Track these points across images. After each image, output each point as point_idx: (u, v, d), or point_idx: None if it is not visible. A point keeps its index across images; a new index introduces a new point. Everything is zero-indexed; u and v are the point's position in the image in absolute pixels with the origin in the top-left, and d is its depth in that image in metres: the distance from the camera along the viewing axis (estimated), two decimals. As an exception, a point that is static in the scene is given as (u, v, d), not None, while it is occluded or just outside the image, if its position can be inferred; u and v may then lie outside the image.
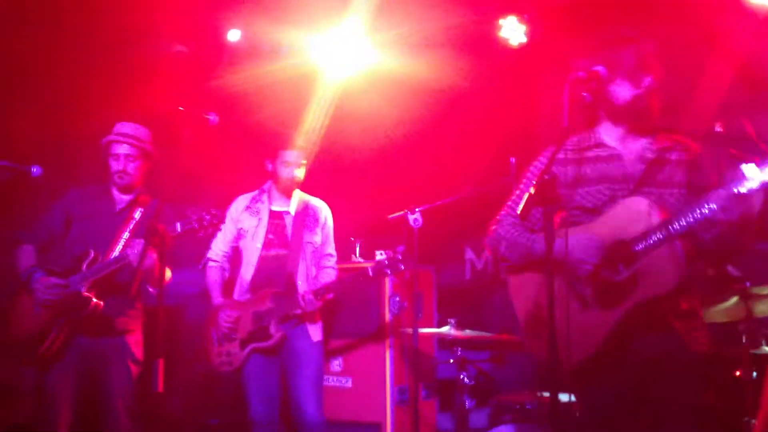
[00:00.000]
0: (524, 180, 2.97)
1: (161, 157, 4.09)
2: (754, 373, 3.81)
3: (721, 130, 3.27)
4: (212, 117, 3.43)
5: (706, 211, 2.49)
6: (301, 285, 4.29)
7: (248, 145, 4.79)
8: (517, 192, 2.98)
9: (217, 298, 4.43)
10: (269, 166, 4.45)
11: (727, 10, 4.67)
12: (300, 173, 4.43)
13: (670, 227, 2.56)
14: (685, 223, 2.53)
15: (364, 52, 5.31)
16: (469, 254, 5.83)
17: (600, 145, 2.85)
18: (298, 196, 4.50)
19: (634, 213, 2.64)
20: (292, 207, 4.46)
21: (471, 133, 5.37)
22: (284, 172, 4.40)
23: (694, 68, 4.88)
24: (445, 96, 5.19)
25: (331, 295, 4.17)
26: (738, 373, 3.90)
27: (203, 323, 4.43)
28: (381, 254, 4.94)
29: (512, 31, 5.15)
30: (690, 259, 2.62)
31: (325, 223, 4.49)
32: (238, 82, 5.25)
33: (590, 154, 2.84)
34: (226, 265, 4.52)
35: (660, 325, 2.67)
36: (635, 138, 2.81)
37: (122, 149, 4.08)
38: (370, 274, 4.11)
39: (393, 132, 5.19)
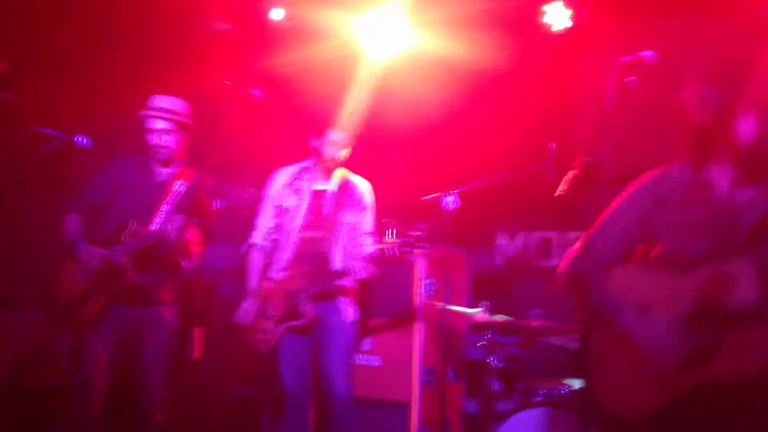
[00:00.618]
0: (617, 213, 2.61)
1: (205, 130, 4.14)
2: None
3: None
4: (257, 92, 3.47)
5: None
6: (338, 264, 4.31)
7: (291, 124, 4.82)
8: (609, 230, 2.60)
9: (253, 284, 4.43)
10: (314, 143, 4.42)
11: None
12: (344, 153, 4.44)
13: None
14: None
15: (405, 33, 5.30)
16: (500, 240, 5.82)
17: (710, 184, 2.46)
18: (340, 173, 4.50)
19: (732, 278, 2.32)
20: (332, 184, 4.46)
21: (510, 117, 5.34)
22: (329, 151, 4.39)
23: (748, 61, 4.78)
24: (485, 78, 5.17)
25: (378, 262, 4.14)
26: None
27: (244, 297, 4.48)
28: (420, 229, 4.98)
29: (557, 15, 5.10)
30: None
31: (364, 202, 4.48)
32: (281, 62, 5.28)
33: (697, 193, 2.45)
34: (269, 247, 4.46)
35: (739, 409, 2.37)
36: (749, 184, 2.43)
37: (157, 124, 4.10)
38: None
39: (432, 113, 5.18)
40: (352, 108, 4.94)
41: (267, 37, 5.52)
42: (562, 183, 2.44)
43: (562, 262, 2.68)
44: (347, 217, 4.40)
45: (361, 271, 4.15)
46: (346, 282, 4.29)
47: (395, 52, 5.31)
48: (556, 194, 2.46)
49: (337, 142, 4.38)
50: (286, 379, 4.33)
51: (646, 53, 2.70)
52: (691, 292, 2.36)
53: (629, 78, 2.67)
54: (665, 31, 4.59)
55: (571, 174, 2.42)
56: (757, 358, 2.26)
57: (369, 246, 4.40)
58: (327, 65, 5.45)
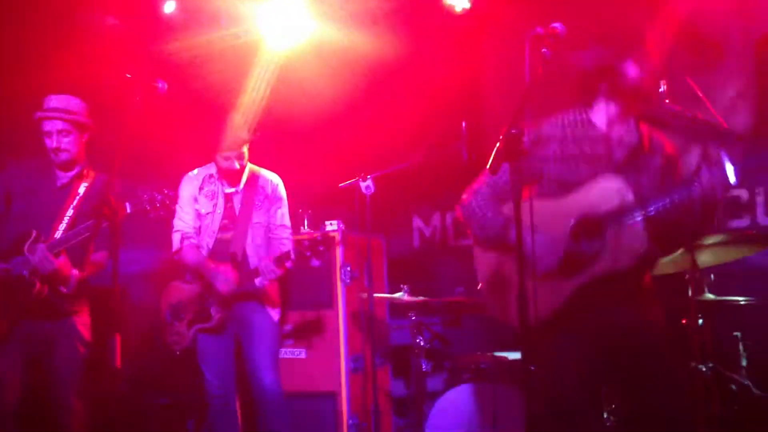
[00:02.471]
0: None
1: (108, 128, 3.94)
2: (700, 320, 3.96)
3: (666, 88, 3.35)
4: (161, 84, 3.32)
5: (677, 198, 2.62)
6: (253, 263, 4.23)
7: (196, 118, 4.67)
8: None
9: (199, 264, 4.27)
10: (219, 148, 4.28)
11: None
12: (240, 161, 4.28)
13: (643, 209, 2.66)
14: (659, 207, 2.64)
15: (306, 22, 5.21)
16: (417, 222, 5.85)
17: (587, 123, 2.90)
18: (248, 170, 4.39)
19: (608, 191, 2.72)
20: (241, 183, 4.35)
21: (420, 99, 5.36)
22: (224, 165, 4.28)
23: (637, 29, 5.00)
24: (392, 63, 5.16)
25: (289, 264, 4.10)
26: (684, 321, 4.04)
27: (159, 302, 4.34)
28: (331, 224, 4.95)
29: (457, -5, 5.15)
30: (651, 239, 2.71)
31: (276, 197, 4.39)
32: (178, 52, 5.09)
33: (577, 131, 2.89)
34: (197, 241, 4.35)
35: (627, 301, 2.79)
36: (623, 122, 2.86)
37: (53, 125, 3.88)
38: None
39: (343, 100, 5.14)
40: (251, 98, 4.84)
41: (163, 25, 5.31)
42: (491, 157, 2.48)
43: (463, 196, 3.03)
44: (258, 216, 4.31)
45: (272, 273, 4.08)
46: (262, 281, 4.20)
47: (298, 41, 5.21)
48: (488, 168, 2.50)
49: (230, 157, 4.24)
50: (209, 380, 4.25)
51: (557, 24, 2.75)
52: (574, 206, 2.76)
53: (543, 49, 2.71)
54: (560, 6, 4.71)
55: (496, 146, 2.46)
56: (629, 252, 2.67)
57: (286, 240, 4.33)
58: (226, 54, 5.30)
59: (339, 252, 4.95)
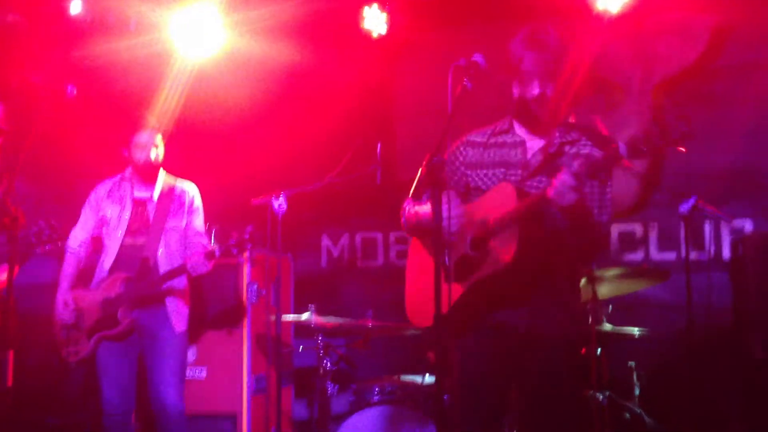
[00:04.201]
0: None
1: (15, 133, 3.74)
2: (599, 350, 4.12)
3: (574, 122, 3.49)
4: (70, 89, 3.19)
5: (544, 195, 2.65)
6: (164, 269, 4.10)
7: (106, 126, 4.50)
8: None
9: (63, 289, 4.12)
10: (126, 153, 4.20)
11: (578, 12, 4.99)
12: (156, 154, 4.21)
13: (515, 211, 2.72)
14: (527, 208, 2.69)
15: (221, 33, 5.13)
16: (326, 241, 5.83)
17: (509, 131, 2.98)
18: (163, 179, 4.28)
19: (501, 197, 2.80)
20: (156, 192, 4.23)
21: (333, 119, 5.37)
22: (139, 156, 4.16)
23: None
24: (306, 81, 5.15)
25: (218, 253, 3.96)
26: (584, 351, 4.18)
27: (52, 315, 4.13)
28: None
29: (375, 20, 5.19)
30: (529, 242, 2.72)
31: (192, 206, 4.29)
32: (88, 57, 4.90)
33: (499, 139, 2.98)
34: (83, 254, 4.23)
35: (529, 302, 2.83)
36: (544, 130, 2.93)
37: None
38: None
39: (253, 115, 5.07)
40: (164, 107, 4.73)
41: (71, 27, 5.10)
42: (414, 183, 2.51)
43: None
44: (173, 222, 4.19)
45: (201, 266, 3.95)
46: (176, 284, 4.08)
47: (212, 52, 5.12)
48: (410, 194, 2.54)
49: (145, 143, 4.16)
50: (106, 397, 4.05)
51: (478, 56, 2.82)
52: (474, 212, 2.82)
53: (465, 80, 2.77)
54: (475, 36, 4.87)
55: (419, 173, 2.49)
56: (502, 255, 2.73)
57: (206, 243, 4.23)
58: (137, 62, 5.15)
59: (246, 270, 4.86)
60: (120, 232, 4.14)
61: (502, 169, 2.89)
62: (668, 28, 5.12)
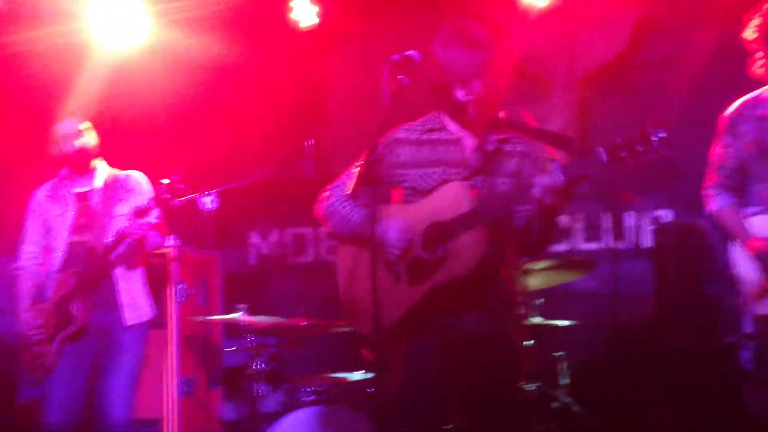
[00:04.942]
0: (360, 157, 2.93)
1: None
2: (528, 342, 4.17)
3: (504, 116, 3.51)
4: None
5: (510, 197, 2.65)
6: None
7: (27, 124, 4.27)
8: (352, 167, 2.94)
9: (24, 309, 3.91)
10: (55, 150, 3.98)
11: (505, 8, 5.03)
12: (85, 141, 3.97)
13: (475, 211, 2.68)
14: (487, 208, 2.66)
15: (144, 23, 4.94)
16: (254, 238, 5.72)
17: (442, 129, 2.91)
18: (105, 170, 4.06)
19: (451, 197, 2.74)
20: (98, 181, 4.01)
21: (263, 113, 5.25)
22: (66, 148, 3.94)
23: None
24: (234, 75, 5.01)
25: (153, 205, 3.77)
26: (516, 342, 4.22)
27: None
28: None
29: (303, 11, 5.10)
30: (493, 243, 2.73)
31: (140, 189, 4.05)
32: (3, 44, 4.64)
33: (432, 136, 2.90)
34: (35, 268, 3.99)
35: (478, 308, 2.80)
36: (477, 128, 2.89)
37: None
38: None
39: (179, 111, 4.91)
40: (82, 99, 4.53)
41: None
42: (352, 181, 2.46)
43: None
44: (121, 208, 3.96)
45: (136, 228, 3.75)
46: (128, 271, 3.89)
47: (135, 42, 4.92)
48: (347, 192, 2.48)
49: (68, 133, 3.96)
50: (50, 412, 3.80)
51: (413, 52, 2.79)
52: (423, 212, 2.76)
53: (400, 76, 2.74)
54: (407, 31, 4.83)
55: (355, 171, 2.44)
56: (467, 259, 2.67)
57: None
58: (53, 52, 4.90)
59: (173, 269, 4.70)
60: (65, 232, 3.92)
61: (440, 168, 2.83)
62: (592, 22, 5.22)
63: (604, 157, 2.46)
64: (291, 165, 4.21)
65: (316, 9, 5.10)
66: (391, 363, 2.83)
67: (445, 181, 2.81)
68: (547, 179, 2.53)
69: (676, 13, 4.98)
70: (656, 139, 2.39)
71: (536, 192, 2.54)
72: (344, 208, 2.91)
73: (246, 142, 5.14)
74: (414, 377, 2.81)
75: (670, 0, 4.95)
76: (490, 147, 2.87)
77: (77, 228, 3.95)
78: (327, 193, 3.00)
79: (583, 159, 2.54)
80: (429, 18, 4.59)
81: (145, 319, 3.98)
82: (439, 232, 2.72)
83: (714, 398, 4.34)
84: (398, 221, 2.75)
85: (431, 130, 2.91)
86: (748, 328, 3.87)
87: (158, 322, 4.64)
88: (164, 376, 4.63)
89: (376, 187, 2.47)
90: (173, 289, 4.67)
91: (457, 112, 2.85)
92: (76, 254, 3.89)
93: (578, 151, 2.75)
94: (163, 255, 4.57)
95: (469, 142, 2.89)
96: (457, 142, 2.88)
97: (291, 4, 5.09)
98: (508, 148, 2.89)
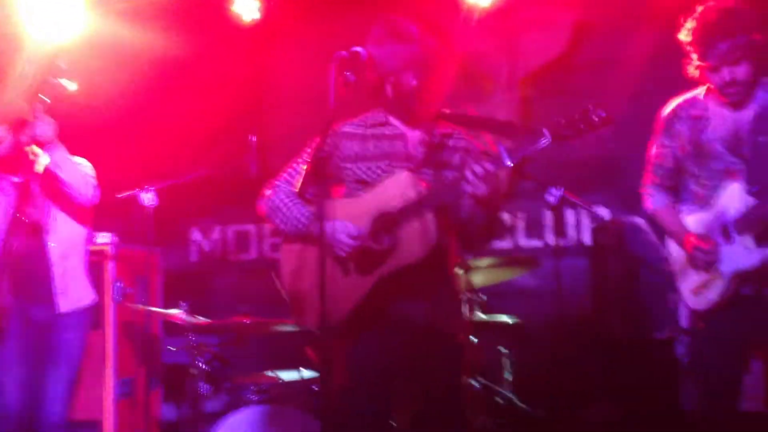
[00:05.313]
0: (303, 154, 2.97)
1: None
2: (474, 338, 4.22)
3: (448, 112, 3.54)
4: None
5: (457, 185, 2.67)
6: (54, 248, 3.73)
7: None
8: (296, 163, 2.98)
9: None
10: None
11: (447, 8, 5.07)
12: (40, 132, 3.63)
13: (423, 199, 2.71)
14: (436, 196, 2.69)
15: (81, 14, 4.79)
16: (196, 235, 5.61)
17: (386, 124, 2.95)
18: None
19: (399, 186, 2.77)
20: (39, 166, 3.73)
21: (205, 108, 5.16)
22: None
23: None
24: (177, 69, 4.91)
25: None
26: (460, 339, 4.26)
27: None
28: (103, 236, 4.57)
29: (245, 5, 5.03)
30: (442, 232, 2.76)
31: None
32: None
33: (376, 131, 2.94)
34: None
35: (424, 296, 2.83)
36: (419, 122, 2.94)
37: None
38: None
39: (119, 106, 4.77)
40: (16, 93, 4.36)
41: None
42: (299, 178, 2.44)
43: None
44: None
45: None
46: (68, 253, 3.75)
47: (72, 33, 4.76)
48: (294, 187, 2.46)
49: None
50: None
51: (359, 49, 2.79)
52: (371, 204, 2.77)
53: (346, 72, 2.72)
54: (352, 28, 4.81)
55: (302, 167, 2.42)
56: (417, 246, 2.70)
57: None
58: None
59: (110, 267, 4.58)
60: (5, 223, 3.71)
61: (386, 162, 2.87)
62: (533, 23, 5.29)
63: (548, 136, 2.57)
64: (233, 161, 4.16)
65: (257, 4, 5.04)
66: (335, 360, 2.82)
67: (392, 173, 2.84)
68: (478, 167, 2.60)
69: (614, 15, 5.09)
70: (597, 118, 2.52)
71: (469, 179, 2.60)
72: (289, 204, 2.89)
73: (188, 137, 5.05)
74: (358, 373, 2.81)
75: (609, 2, 5.05)
76: (435, 141, 2.92)
77: (15, 221, 3.76)
78: (270, 190, 2.98)
79: (528, 141, 2.61)
80: (371, 15, 4.58)
81: (82, 305, 3.82)
82: (388, 222, 2.75)
83: (652, 391, 4.45)
84: (347, 216, 2.75)
85: (375, 125, 2.95)
86: (684, 322, 3.98)
87: (95, 322, 4.53)
88: (102, 377, 4.50)
89: (323, 182, 2.45)
90: (111, 288, 4.55)
91: (398, 107, 2.89)
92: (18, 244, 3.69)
93: (522, 134, 2.82)
94: (100, 252, 4.44)
95: (413, 136, 2.93)
96: (401, 136, 2.91)
97: (233, -3, 5.02)
98: (451, 142, 2.94)
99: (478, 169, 2.60)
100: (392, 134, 2.92)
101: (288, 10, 5.09)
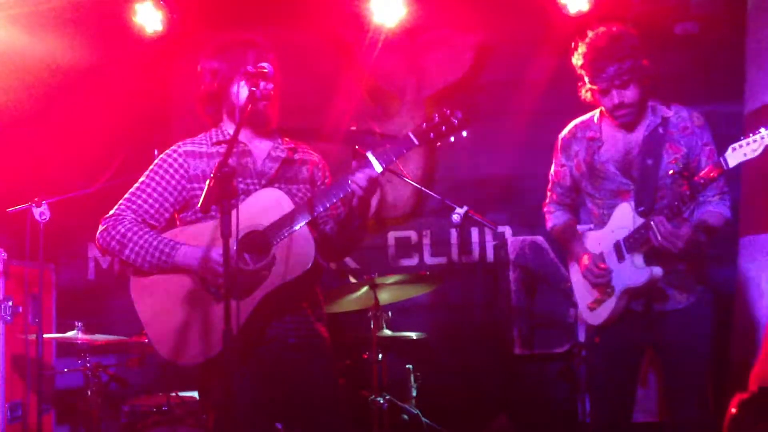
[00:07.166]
0: (150, 173, 2.87)
1: None
2: (380, 355, 4.22)
3: (355, 128, 3.58)
4: None
5: (333, 199, 2.70)
6: None
7: None
8: (144, 185, 2.87)
9: None
10: None
11: (354, 26, 5.11)
12: None
13: (299, 215, 2.68)
14: (320, 208, 2.68)
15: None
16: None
17: (232, 140, 2.77)
18: None
19: (268, 203, 2.72)
20: None
21: (108, 122, 4.98)
22: None
23: (330, 76, 5.24)
24: (75, 79, 4.72)
25: None
26: (366, 356, 4.26)
27: None
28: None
29: (148, 16, 4.90)
30: (319, 246, 2.74)
31: None
32: None
33: (221, 149, 2.84)
34: None
35: (296, 312, 2.79)
36: (262, 138, 2.89)
37: None
38: None
39: (12, 116, 4.55)
40: None
41: None
42: (202, 195, 2.37)
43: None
44: None
45: None
46: None
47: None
48: (199, 206, 2.39)
49: None
50: None
51: (265, 64, 2.79)
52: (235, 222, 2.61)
53: (253, 88, 2.71)
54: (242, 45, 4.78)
55: (207, 185, 2.36)
56: (302, 258, 2.66)
57: None
58: None
59: (-1, 285, 4.36)
60: None
61: (238, 179, 2.76)
62: (437, 44, 5.40)
63: (415, 140, 2.65)
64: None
65: (160, 15, 4.92)
66: (215, 385, 2.69)
67: (248, 192, 2.77)
68: (360, 175, 2.64)
69: (515, 39, 5.25)
70: (455, 120, 2.63)
71: (354, 186, 2.64)
72: (142, 234, 2.76)
73: (86, 149, 4.86)
74: (238, 396, 2.62)
75: (510, 26, 5.20)
76: (282, 155, 2.89)
77: None
78: (110, 222, 2.84)
79: (396, 145, 2.69)
80: (275, 29, 4.57)
81: None
82: (261, 240, 2.68)
83: (551, 405, 4.57)
84: (211, 240, 2.66)
85: (220, 142, 2.86)
86: (582, 337, 4.12)
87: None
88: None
89: (227, 201, 2.38)
90: (-1, 307, 4.32)
91: (242, 122, 2.72)
92: None
93: (388, 139, 2.87)
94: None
95: (259, 151, 2.87)
96: (248, 153, 2.84)
97: (135, 7, 4.88)
98: (297, 156, 2.93)
99: (360, 175, 2.63)
100: (239, 151, 2.82)
101: (190, 22, 4.99)
